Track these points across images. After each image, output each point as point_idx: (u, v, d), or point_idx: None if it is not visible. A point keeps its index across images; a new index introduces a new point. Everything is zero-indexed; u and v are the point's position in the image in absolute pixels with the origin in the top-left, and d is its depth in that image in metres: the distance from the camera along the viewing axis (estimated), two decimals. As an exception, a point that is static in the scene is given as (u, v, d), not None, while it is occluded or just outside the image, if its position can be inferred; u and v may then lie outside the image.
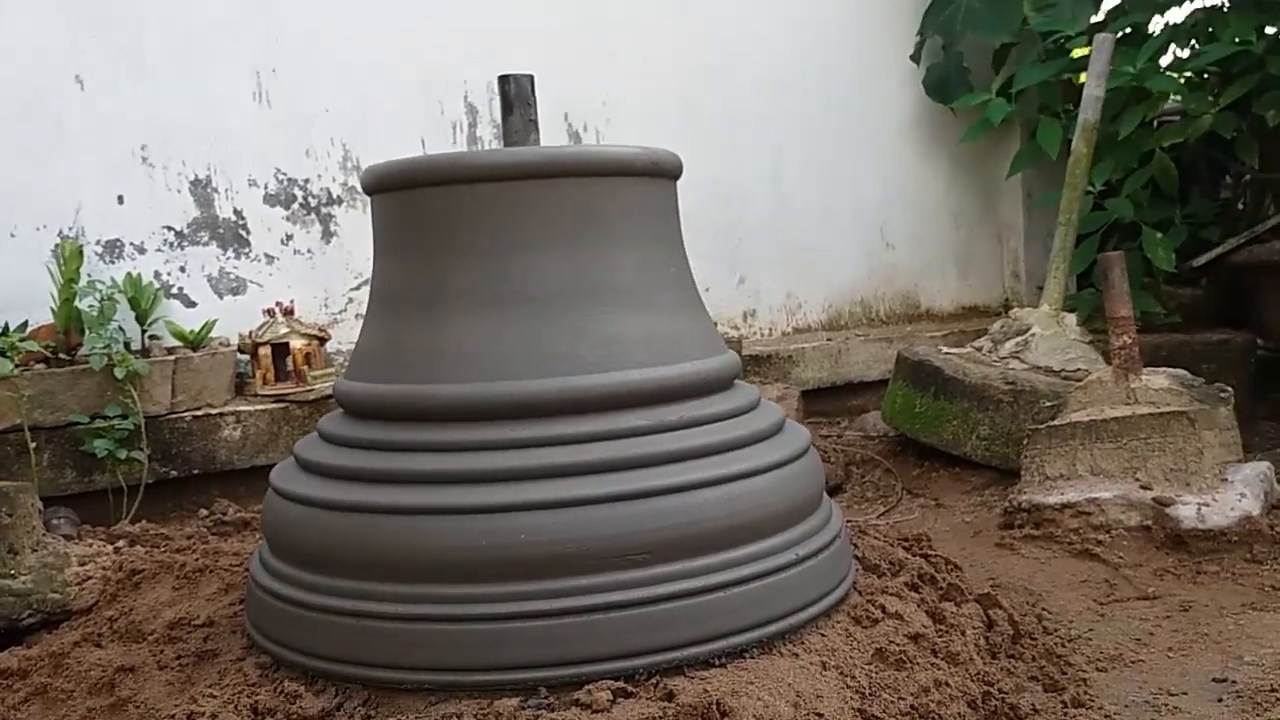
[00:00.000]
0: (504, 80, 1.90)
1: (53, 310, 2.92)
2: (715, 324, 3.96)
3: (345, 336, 3.47)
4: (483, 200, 1.71)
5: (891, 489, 3.31)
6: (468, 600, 1.53)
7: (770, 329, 4.39)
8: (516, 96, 1.90)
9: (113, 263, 3.15)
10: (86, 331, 2.91)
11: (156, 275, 3.20)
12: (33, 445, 2.73)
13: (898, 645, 1.68)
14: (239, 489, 3.11)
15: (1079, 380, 3.12)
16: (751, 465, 1.69)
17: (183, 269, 3.25)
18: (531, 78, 1.91)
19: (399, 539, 1.57)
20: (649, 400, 1.70)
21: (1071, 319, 3.37)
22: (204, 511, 3.02)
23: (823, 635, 1.69)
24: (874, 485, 3.38)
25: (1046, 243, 4.84)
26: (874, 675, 1.60)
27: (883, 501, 3.22)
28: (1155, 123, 4.29)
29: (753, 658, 1.59)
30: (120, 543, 2.45)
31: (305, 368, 3.15)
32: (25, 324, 2.93)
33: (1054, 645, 1.97)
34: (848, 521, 2.86)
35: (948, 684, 1.63)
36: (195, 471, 3.03)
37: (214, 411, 3.06)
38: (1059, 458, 2.60)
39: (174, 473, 3.00)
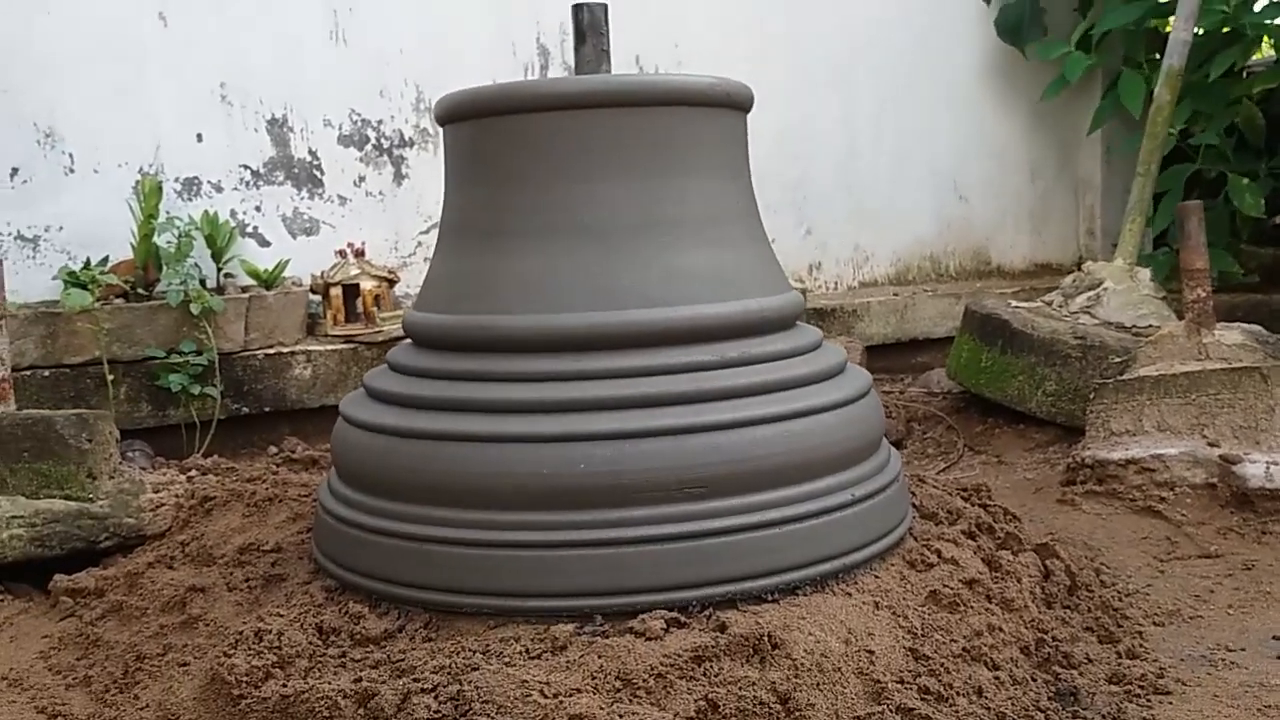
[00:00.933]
0: (577, 9, 1.90)
1: (132, 246, 3.01)
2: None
3: (414, 280, 3.51)
4: (551, 129, 1.72)
5: (953, 445, 3.28)
6: (527, 527, 1.57)
7: (836, 282, 4.36)
8: (590, 26, 1.90)
9: (190, 200, 3.22)
10: (164, 267, 2.99)
11: (232, 214, 3.27)
12: (110, 378, 2.82)
13: (952, 589, 1.68)
14: (308, 428, 3.19)
15: (1149, 336, 3.07)
16: (810, 404, 1.70)
17: (258, 208, 3.32)
18: (605, 7, 1.91)
19: (461, 465, 1.60)
20: (711, 336, 1.71)
21: (1145, 274, 3.29)
22: (273, 449, 3.10)
23: (876, 577, 1.70)
24: (935, 441, 3.36)
25: (1124, 200, 4.73)
26: (927, 617, 1.61)
27: (943, 458, 3.20)
28: (1245, 71, 4.16)
29: (805, 594, 1.61)
30: (192, 473, 2.53)
31: (374, 309, 3.21)
32: (106, 259, 3.01)
33: (1111, 598, 1.96)
34: (908, 475, 2.87)
35: (1001, 629, 1.64)
36: (266, 409, 3.11)
37: (285, 350, 3.14)
38: (1125, 413, 2.56)
39: (245, 409, 3.08)
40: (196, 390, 2.95)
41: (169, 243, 2.99)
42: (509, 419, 1.61)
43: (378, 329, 3.21)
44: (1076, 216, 4.87)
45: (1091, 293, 3.25)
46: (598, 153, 1.71)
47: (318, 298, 3.28)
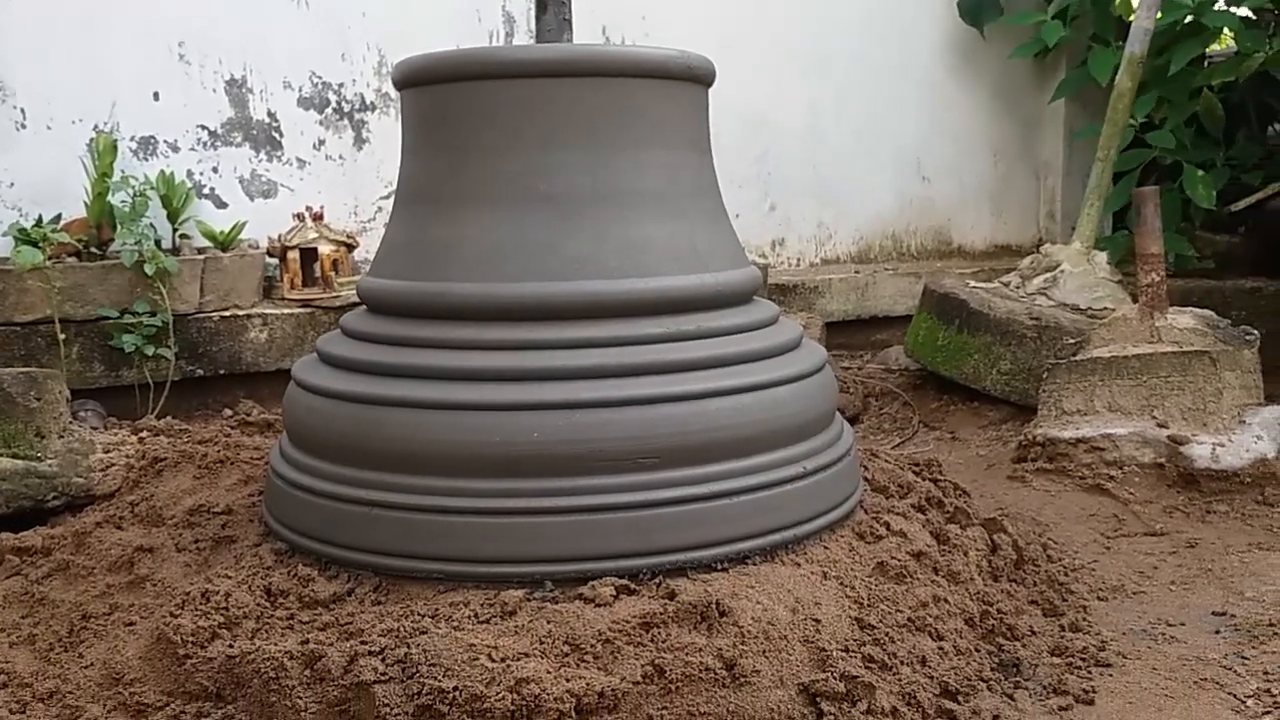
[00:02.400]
0: (538, -22, 1.89)
1: (85, 204, 2.96)
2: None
3: (373, 245, 3.48)
4: (509, 97, 1.71)
5: (908, 421, 3.31)
6: (477, 494, 1.56)
7: (799, 259, 4.37)
8: (550, -5, 1.89)
9: (146, 160, 3.17)
10: (118, 227, 2.94)
11: (189, 174, 3.22)
12: (62, 337, 2.78)
13: (899, 561, 1.70)
14: (263, 391, 3.16)
15: (1104, 319, 3.11)
16: (764, 378, 1.71)
17: (215, 169, 3.27)
18: (565, -27, 1.90)
19: (413, 432, 1.60)
20: (667, 309, 1.72)
21: (1102, 257, 3.33)
22: (228, 411, 3.07)
23: (826, 547, 1.72)
24: (891, 417, 3.39)
25: (1085, 184, 4.79)
26: (874, 587, 1.63)
27: (899, 433, 3.23)
28: (1205, 60, 4.19)
29: (755, 564, 1.62)
30: (144, 434, 2.50)
31: (332, 274, 3.18)
32: (59, 217, 2.96)
33: (1056, 573, 1.99)
34: (862, 450, 2.89)
35: (946, 600, 1.66)
36: (221, 371, 3.08)
37: (241, 313, 3.10)
38: (1077, 393, 2.59)
39: (200, 371, 3.05)
40: (150, 351, 2.92)
41: (123, 202, 2.94)
42: (461, 386, 1.60)
43: (335, 294, 3.19)
44: (1037, 199, 4.91)
45: (1048, 275, 3.28)
46: (556, 122, 1.70)
47: (275, 261, 3.25)
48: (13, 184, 3.00)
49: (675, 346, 1.68)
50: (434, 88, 1.77)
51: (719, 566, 1.60)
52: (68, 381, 2.79)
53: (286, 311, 3.15)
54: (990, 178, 4.78)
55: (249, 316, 3.10)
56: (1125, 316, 2.73)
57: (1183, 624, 1.83)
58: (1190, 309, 2.75)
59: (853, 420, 3.38)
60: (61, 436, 2.20)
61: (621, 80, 1.74)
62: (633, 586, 1.52)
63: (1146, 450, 2.44)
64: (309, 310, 3.17)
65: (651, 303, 1.70)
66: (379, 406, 1.63)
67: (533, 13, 3.70)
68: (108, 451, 2.20)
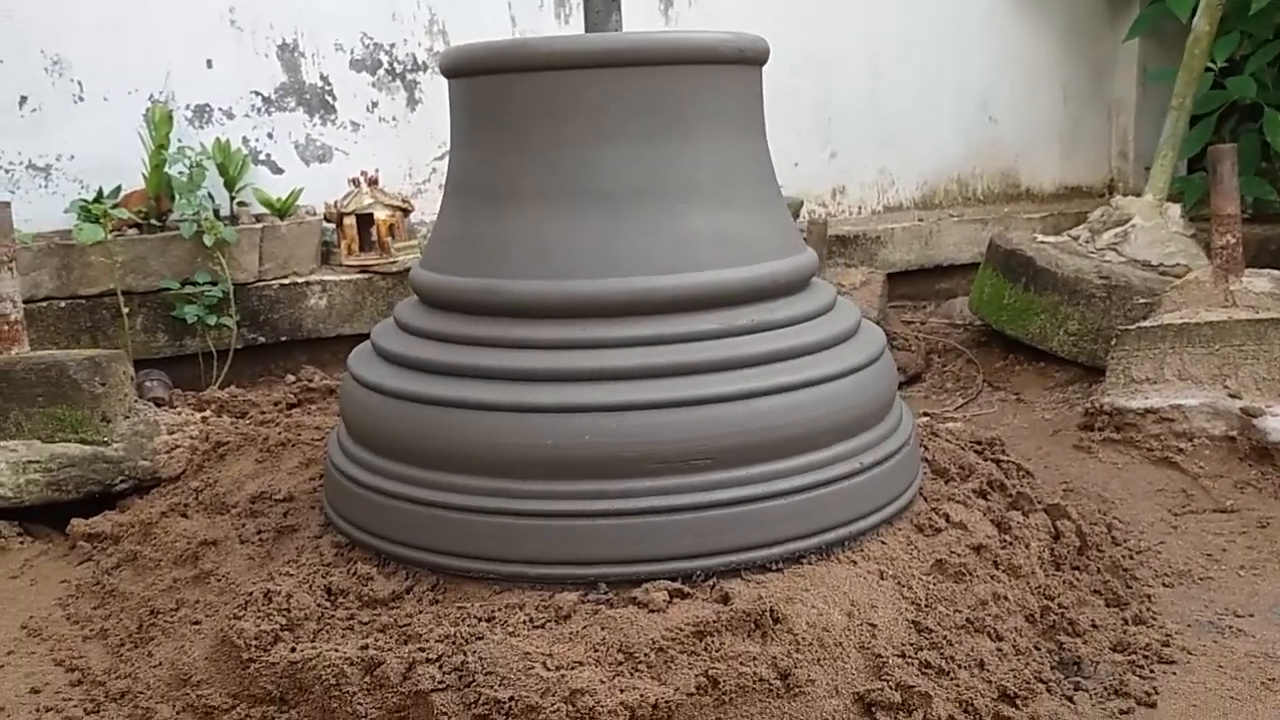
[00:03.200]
0: (585, -49, 1.83)
1: (144, 176, 2.98)
2: (802, 202, 3.89)
3: (428, 207, 3.48)
4: (557, 89, 1.67)
5: (972, 380, 3.26)
6: (533, 496, 1.56)
7: (860, 207, 4.28)
8: (600, -30, 1.83)
9: (202, 128, 3.18)
10: (176, 197, 2.97)
11: (244, 141, 3.23)
12: (125, 310, 2.82)
13: (958, 556, 1.68)
14: (324, 356, 3.20)
15: (1177, 276, 3.01)
16: (819, 373, 1.67)
17: (270, 135, 3.27)
18: (615, -51, 1.84)
19: (467, 433, 1.60)
20: (720, 302, 1.68)
21: (1175, 210, 3.22)
22: (290, 378, 3.12)
23: (883, 543, 1.70)
24: (954, 375, 3.33)
25: (1159, 121, 4.57)
26: (932, 586, 1.61)
27: (962, 393, 3.17)
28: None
29: (810, 564, 1.61)
30: (209, 410, 2.55)
31: (389, 239, 3.18)
32: (118, 189, 2.99)
33: (1121, 558, 1.96)
34: (923, 414, 2.85)
35: (1006, 598, 1.63)
36: (282, 339, 3.11)
37: (300, 280, 3.12)
38: (1147, 360, 2.52)
39: (262, 339, 3.08)
40: (212, 321, 2.96)
41: (181, 173, 2.96)
42: (514, 387, 1.59)
43: (392, 259, 3.19)
44: (1109, 139, 4.74)
45: (1119, 229, 3.18)
46: (606, 114, 1.66)
47: (332, 226, 3.26)
48: (73, 157, 3.03)
49: (727, 343, 1.65)
50: (481, 79, 1.74)
51: (774, 567, 1.59)
52: (132, 352, 2.87)
53: (345, 278, 3.17)
54: (1060, 117, 4.62)
55: (308, 284, 3.13)
56: (1198, 279, 2.64)
57: (1251, 615, 1.79)
58: (1268, 271, 2.66)
59: (915, 379, 3.34)
60: (127, 417, 2.25)
61: (671, 68, 1.69)
62: (686, 590, 1.52)
63: (1218, 422, 2.37)
64: (367, 276, 3.18)
65: (704, 297, 1.67)
66: (432, 406, 1.63)
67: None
68: (172, 433, 2.24)
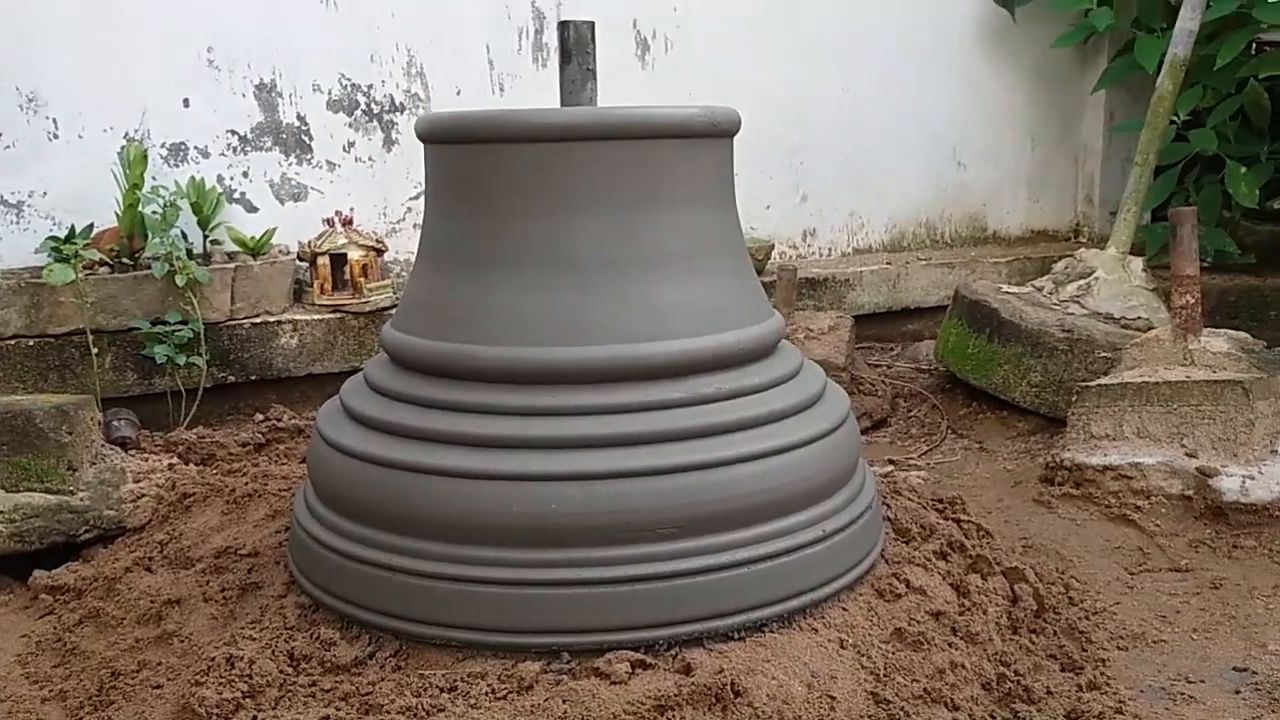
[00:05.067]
0: (563, 27, 1.86)
1: (117, 215, 2.98)
2: (773, 245, 3.93)
3: (403, 246, 3.50)
4: (529, 161, 1.70)
5: (936, 427, 3.30)
6: (496, 564, 1.58)
7: (830, 249, 4.33)
8: (575, 45, 1.86)
9: (177, 166, 3.18)
10: (149, 236, 2.97)
11: (220, 180, 3.24)
12: (94, 351, 2.82)
13: (917, 624, 1.71)
14: (294, 395, 3.20)
15: (1139, 329, 3.07)
16: (785, 441, 1.70)
17: (245, 174, 3.28)
18: (592, 25, 1.87)
19: (432, 499, 1.61)
20: (688, 370, 1.71)
21: (1138, 264, 3.28)
22: (260, 416, 3.11)
23: (844, 610, 1.72)
24: (919, 421, 3.37)
25: (1125, 167, 4.69)
26: (890, 656, 1.63)
27: (926, 440, 3.21)
28: (1254, 48, 4.07)
29: (772, 632, 1.63)
30: (175, 456, 2.54)
31: (362, 280, 3.19)
32: (90, 227, 2.99)
33: (1077, 619, 1.99)
34: (888, 460, 2.88)
35: (963, 665, 1.66)
36: (253, 377, 3.11)
37: (272, 319, 3.13)
38: (1106, 417, 2.57)
39: (232, 378, 3.08)
40: (182, 360, 2.95)
41: (155, 212, 2.96)
42: (481, 454, 1.61)
43: (365, 299, 3.21)
44: (1075, 184, 4.82)
45: (1082, 281, 3.24)
46: (577, 187, 1.69)
47: (305, 264, 3.27)
48: (45, 193, 3.03)
49: (695, 411, 1.68)
50: (456, 147, 1.77)
51: (736, 636, 1.61)
52: (101, 391, 2.86)
53: (316, 317, 3.18)
54: (1027, 162, 4.70)
55: (279, 323, 3.13)
56: (1158, 337, 2.70)
57: (1203, 681, 1.83)
58: (1225, 331, 2.71)
59: (880, 424, 3.38)
60: (93, 464, 2.24)
61: (644, 142, 1.72)
62: (648, 660, 1.54)
63: (1174, 481, 2.42)
64: (339, 315, 3.19)
65: (672, 365, 1.70)
66: (398, 471, 1.65)
67: (564, 8, 3.68)
68: (138, 481, 2.24)
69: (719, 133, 1.82)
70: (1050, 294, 3.29)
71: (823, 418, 1.81)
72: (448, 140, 1.78)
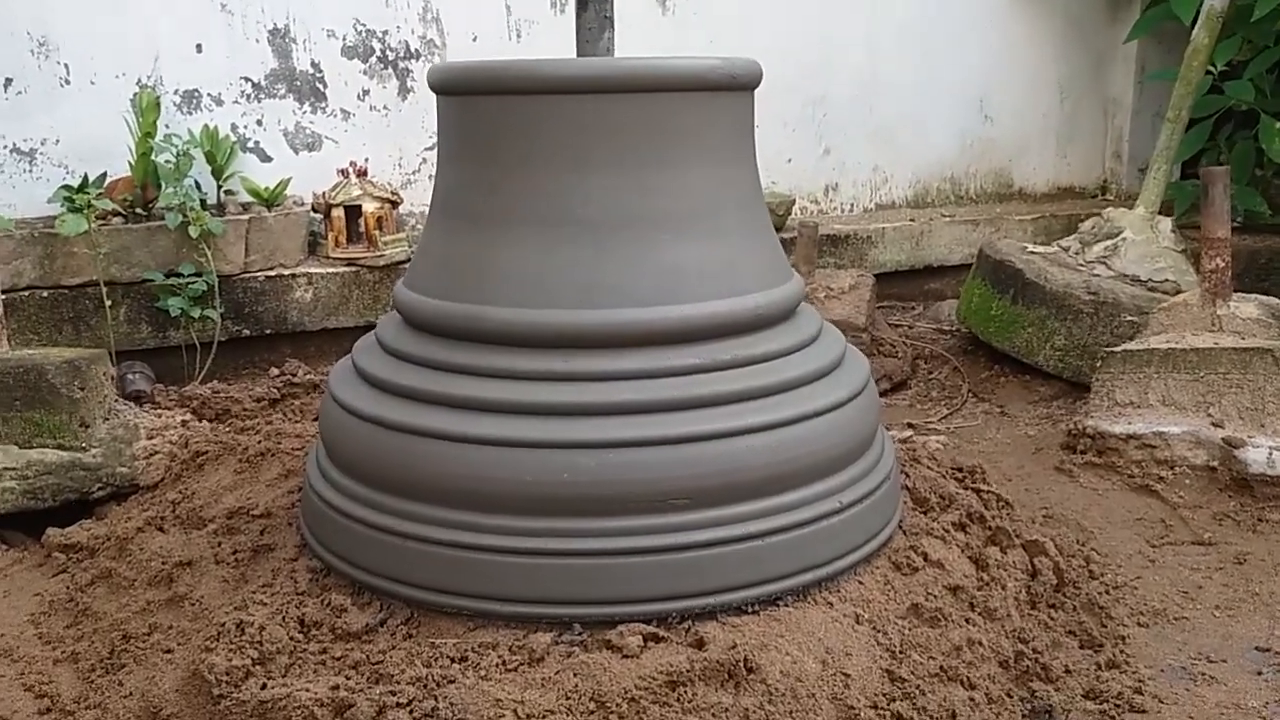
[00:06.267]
0: (580, -30, 1.80)
1: (130, 165, 2.94)
2: (794, 200, 3.86)
3: (418, 198, 3.45)
4: (542, 114, 1.65)
5: (957, 389, 3.26)
6: (508, 532, 1.56)
7: (852, 204, 4.26)
8: (593, -9, 1.81)
9: (190, 114, 3.14)
10: (162, 186, 2.93)
11: (233, 128, 3.19)
12: (109, 303, 2.80)
13: (934, 599, 1.68)
14: (309, 348, 3.18)
15: (1165, 292, 3.01)
16: (801, 410, 1.66)
17: (259, 122, 3.24)
18: (611, -38, 1.81)
19: (445, 465, 1.59)
20: (704, 335, 1.67)
21: (1166, 224, 3.20)
22: (275, 370, 3.09)
23: (860, 583, 1.70)
24: (940, 383, 3.33)
25: (1155, 122, 4.59)
26: (906, 632, 1.61)
27: (947, 403, 3.17)
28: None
29: (787, 605, 1.60)
30: (189, 410, 2.53)
31: (376, 233, 3.16)
32: (104, 176, 2.96)
33: (1097, 594, 1.96)
34: (907, 424, 2.85)
35: (980, 643, 1.64)
36: (267, 331, 3.09)
37: (286, 272, 3.10)
38: (1131, 384, 2.52)
39: (246, 332, 3.06)
40: (196, 313, 2.93)
41: (168, 162, 2.92)
42: (494, 420, 1.58)
43: (379, 253, 3.17)
44: (1104, 138, 4.72)
45: (1109, 242, 3.17)
46: (592, 141, 1.64)
47: (319, 216, 3.23)
48: (58, 141, 2.99)
49: (710, 378, 1.64)
50: (468, 99, 1.71)
51: (750, 609, 1.58)
52: (115, 343, 2.85)
53: (331, 270, 3.15)
54: (1056, 116, 4.60)
55: (294, 276, 3.10)
56: (1186, 302, 2.64)
57: (1224, 660, 1.80)
58: (1256, 296, 2.65)
59: (900, 385, 3.34)
60: (106, 419, 2.23)
61: (660, 95, 1.66)
62: (661, 634, 1.52)
63: (1199, 451, 2.37)
64: (354, 269, 3.16)
65: (687, 331, 1.65)
66: (410, 435, 1.62)
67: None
68: (151, 437, 2.22)
69: (739, 86, 1.76)
70: (1076, 254, 3.22)
71: (841, 385, 1.77)
72: (458, 91, 1.73)
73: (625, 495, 1.55)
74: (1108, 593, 2.00)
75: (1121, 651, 1.80)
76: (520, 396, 1.60)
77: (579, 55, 1.84)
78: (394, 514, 1.63)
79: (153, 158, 2.93)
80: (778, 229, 3.81)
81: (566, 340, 1.63)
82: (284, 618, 1.58)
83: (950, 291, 4.21)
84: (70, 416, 2.11)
